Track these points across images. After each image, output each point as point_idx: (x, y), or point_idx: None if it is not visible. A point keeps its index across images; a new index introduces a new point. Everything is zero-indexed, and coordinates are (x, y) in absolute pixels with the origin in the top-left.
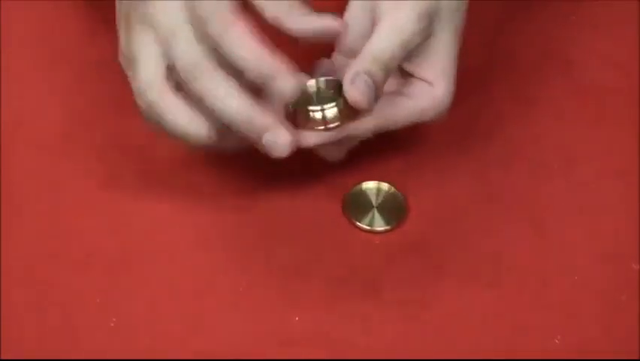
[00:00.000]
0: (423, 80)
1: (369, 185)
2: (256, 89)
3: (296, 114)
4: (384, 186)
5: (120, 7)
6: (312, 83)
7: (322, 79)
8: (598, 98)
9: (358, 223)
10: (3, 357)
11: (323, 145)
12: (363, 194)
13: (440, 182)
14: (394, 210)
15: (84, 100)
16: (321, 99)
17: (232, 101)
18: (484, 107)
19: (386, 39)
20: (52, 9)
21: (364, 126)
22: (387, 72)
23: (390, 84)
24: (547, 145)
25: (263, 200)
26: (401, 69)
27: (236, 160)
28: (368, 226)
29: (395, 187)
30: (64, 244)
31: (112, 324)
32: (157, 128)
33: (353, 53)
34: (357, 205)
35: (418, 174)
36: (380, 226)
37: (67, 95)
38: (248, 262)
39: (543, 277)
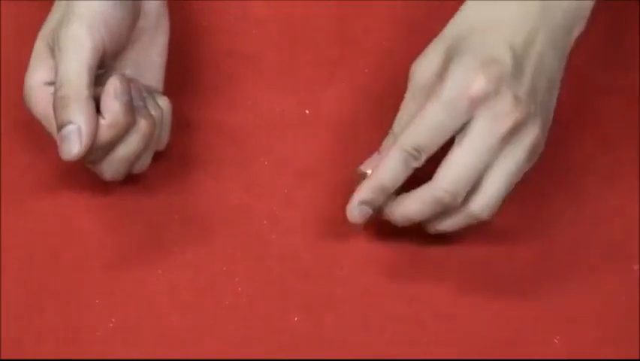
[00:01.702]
0: None
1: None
2: None
3: None
4: None
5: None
6: None
7: None
8: (598, 98)
9: None
10: (3, 357)
11: None
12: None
13: None
14: None
15: None
16: None
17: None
18: None
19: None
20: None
21: None
22: None
23: None
24: (547, 145)
25: (262, 201)
26: None
27: (236, 158)
28: None
29: None
30: (64, 244)
31: (111, 324)
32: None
33: None
34: None
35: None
36: None
37: None
38: (247, 262)
39: (543, 277)
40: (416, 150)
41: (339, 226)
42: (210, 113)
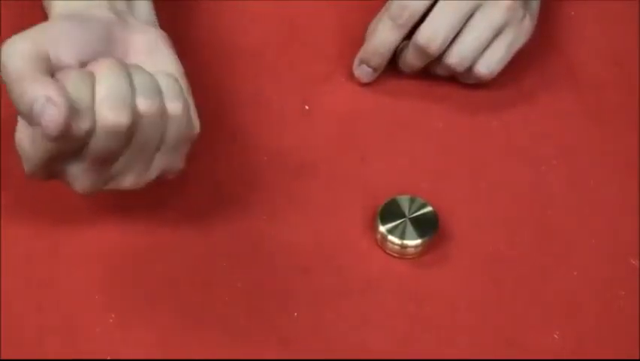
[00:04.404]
0: None
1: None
2: None
3: None
4: None
5: None
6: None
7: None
8: (598, 95)
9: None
10: (3, 357)
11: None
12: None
13: (438, 179)
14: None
15: None
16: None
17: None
18: (483, 103)
19: None
20: None
21: None
22: None
23: None
24: (547, 141)
25: (262, 196)
26: None
27: (236, 153)
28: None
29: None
30: (64, 242)
31: (111, 320)
32: None
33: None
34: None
35: (427, 177)
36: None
37: None
38: (247, 257)
39: (542, 273)
40: (400, 8)
41: (339, 222)
42: (211, 109)
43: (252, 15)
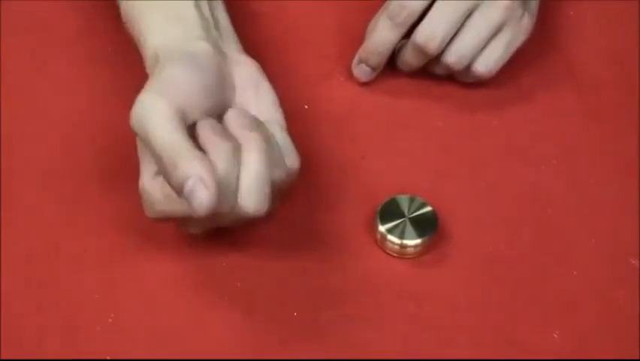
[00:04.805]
0: None
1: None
2: None
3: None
4: None
5: None
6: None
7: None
8: (598, 95)
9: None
10: (3, 357)
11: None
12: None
13: (438, 179)
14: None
15: (84, 97)
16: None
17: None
18: (482, 102)
19: None
20: (51, 7)
21: None
22: None
23: None
24: (547, 141)
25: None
26: None
27: None
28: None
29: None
30: (63, 242)
31: (110, 320)
32: None
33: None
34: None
35: (426, 176)
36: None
37: (66, 91)
38: (246, 257)
39: (542, 273)
40: (399, 7)
41: (339, 221)
42: None
43: (252, 15)
